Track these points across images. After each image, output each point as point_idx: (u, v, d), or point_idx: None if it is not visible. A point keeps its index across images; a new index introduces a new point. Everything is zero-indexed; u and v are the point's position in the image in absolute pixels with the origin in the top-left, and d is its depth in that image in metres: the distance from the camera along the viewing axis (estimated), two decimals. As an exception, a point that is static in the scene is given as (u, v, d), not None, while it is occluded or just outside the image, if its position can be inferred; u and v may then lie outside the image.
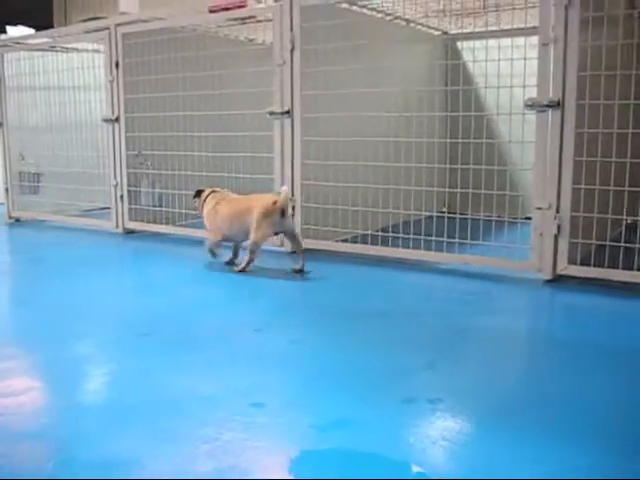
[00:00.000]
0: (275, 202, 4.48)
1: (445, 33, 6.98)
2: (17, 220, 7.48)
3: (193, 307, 3.99)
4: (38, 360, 3.13)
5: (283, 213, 4.50)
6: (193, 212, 5.72)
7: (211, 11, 5.93)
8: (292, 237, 4.73)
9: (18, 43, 7.32)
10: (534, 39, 4.27)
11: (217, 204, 4.86)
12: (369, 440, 2.20)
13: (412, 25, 6.56)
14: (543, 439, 2.18)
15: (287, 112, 5.19)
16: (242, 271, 4.66)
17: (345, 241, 5.17)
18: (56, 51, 7.19)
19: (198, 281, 4.69)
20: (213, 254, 4.91)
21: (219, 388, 2.65)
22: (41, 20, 13.45)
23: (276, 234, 4.80)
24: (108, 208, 7.04)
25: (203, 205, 4.99)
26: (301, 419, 2.36)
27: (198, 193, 5.10)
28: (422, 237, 4.79)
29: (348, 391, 2.62)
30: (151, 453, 2.12)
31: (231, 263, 4.90)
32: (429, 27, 6.81)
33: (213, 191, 5.01)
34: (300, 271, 4.67)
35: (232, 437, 2.21)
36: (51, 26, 15.78)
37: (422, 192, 5.09)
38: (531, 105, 4.23)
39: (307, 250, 4.96)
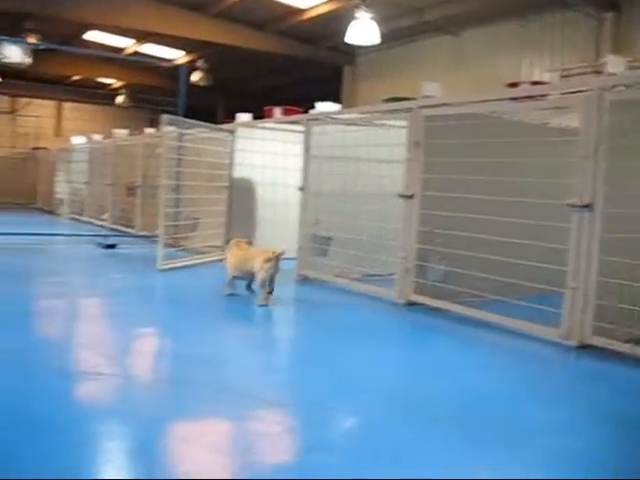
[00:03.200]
0: (273, 252, 6.31)
1: None
2: (305, 278, 8.06)
3: (480, 395, 4.02)
4: (322, 428, 3.37)
5: (277, 261, 6.31)
6: (477, 291, 5.86)
7: (513, 98, 6.07)
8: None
9: (328, 117, 7.99)
10: None
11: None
12: None
13: None
14: None
15: (587, 206, 5.11)
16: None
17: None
18: (357, 125, 7.73)
19: (482, 367, 4.71)
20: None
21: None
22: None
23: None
24: (384, 275, 7.39)
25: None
26: None
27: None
28: None
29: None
30: None
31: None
32: None
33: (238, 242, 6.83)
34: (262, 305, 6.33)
35: None
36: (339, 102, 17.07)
37: None
38: None
39: (601, 350, 4.97)
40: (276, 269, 6.35)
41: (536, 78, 11.34)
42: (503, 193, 5.91)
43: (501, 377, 4.48)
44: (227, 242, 7.07)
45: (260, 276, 6.31)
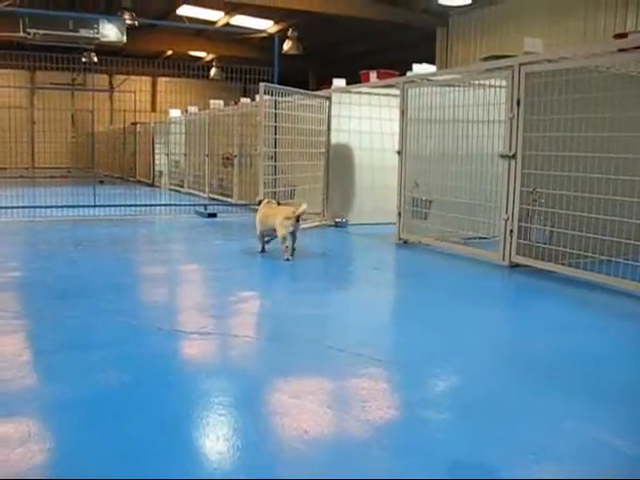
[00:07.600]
0: (293, 212, 6.61)
1: None
2: (405, 242, 8.05)
3: (592, 355, 3.95)
4: (432, 385, 3.38)
5: (298, 219, 6.65)
6: (584, 253, 5.72)
7: (621, 50, 5.81)
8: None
9: (425, 79, 7.88)
10: None
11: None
12: None
13: None
14: None
15: None
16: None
17: None
18: (454, 86, 7.59)
19: (592, 328, 4.61)
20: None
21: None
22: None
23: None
24: (487, 238, 7.29)
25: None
26: None
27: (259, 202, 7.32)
28: None
29: None
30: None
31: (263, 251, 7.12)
32: None
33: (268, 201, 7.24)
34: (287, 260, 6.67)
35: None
36: (433, 62, 16.78)
37: None
38: None
39: None
40: (296, 226, 6.68)
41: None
42: (610, 150, 5.72)
43: (612, 338, 4.37)
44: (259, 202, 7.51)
45: (280, 233, 6.67)
